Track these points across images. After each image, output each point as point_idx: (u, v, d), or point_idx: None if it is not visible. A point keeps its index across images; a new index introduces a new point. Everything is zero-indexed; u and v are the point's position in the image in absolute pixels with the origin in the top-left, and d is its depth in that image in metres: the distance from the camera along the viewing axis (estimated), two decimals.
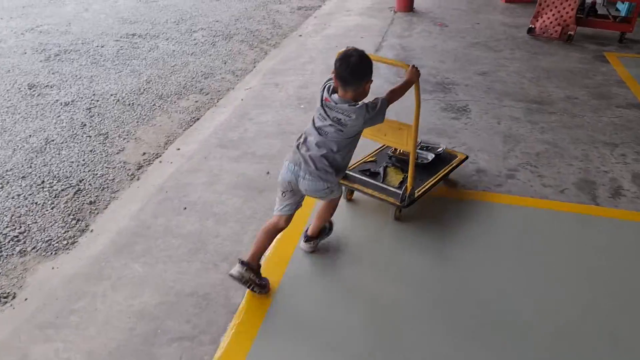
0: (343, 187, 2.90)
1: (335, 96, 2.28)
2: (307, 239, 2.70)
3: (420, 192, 2.92)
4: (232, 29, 6.62)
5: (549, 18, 6.09)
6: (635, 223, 2.97)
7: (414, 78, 2.52)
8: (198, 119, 4.31)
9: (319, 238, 2.72)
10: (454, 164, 3.22)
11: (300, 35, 6.40)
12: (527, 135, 3.88)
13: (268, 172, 3.43)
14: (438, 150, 3.31)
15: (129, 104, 4.47)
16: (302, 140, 2.38)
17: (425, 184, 2.99)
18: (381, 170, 3.10)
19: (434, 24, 6.71)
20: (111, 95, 4.61)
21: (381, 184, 2.95)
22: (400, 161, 3.15)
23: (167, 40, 6.10)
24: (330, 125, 2.28)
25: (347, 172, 2.94)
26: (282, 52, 5.81)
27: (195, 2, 7.81)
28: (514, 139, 3.83)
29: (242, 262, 2.39)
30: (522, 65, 5.30)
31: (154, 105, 4.49)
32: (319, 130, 2.32)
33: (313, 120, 2.36)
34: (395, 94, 2.43)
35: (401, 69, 2.64)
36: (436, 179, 3.06)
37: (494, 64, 5.34)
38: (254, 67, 5.43)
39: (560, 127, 4.02)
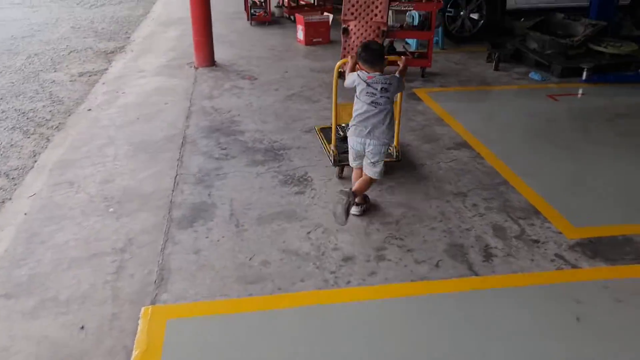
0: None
1: (373, 73, 3.14)
2: (357, 204, 3.32)
3: None
4: None
5: None
6: (518, 289, 2.77)
7: (406, 65, 3.43)
8: None
9: (365, 204, 3.42)
10: None
11: (90, 110, 5.36)
12: (380, 200, 3.55)
13: (82, 327, 2.50)
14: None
15: None
16: (362, 118, 3.18)
17: None
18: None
19: (242, 78, 6.24)
20: None
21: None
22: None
23: None
24: (380, 96, 3.11)
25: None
26: (69, 135, 4.73)
27: None
28: None
29: (353, 194, 3.16)
30: None
31: None
32: (374, 104, 3.13)
33: (363, 102, 3.16)
34: (402, 74, 3.31)
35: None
36: None
37: (317, 117, 5.02)
38: (35, 162, 4.28)
39: (407, 183, 3.79)
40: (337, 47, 7.59)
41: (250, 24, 9.16)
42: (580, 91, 5.71)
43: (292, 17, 9.39)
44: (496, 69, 6.45)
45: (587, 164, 4.11)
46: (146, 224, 3.29)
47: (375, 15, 5.79)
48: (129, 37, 8.62)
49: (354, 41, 6.02)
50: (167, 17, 10.12)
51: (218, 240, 3.13)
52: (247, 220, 3.31)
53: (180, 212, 3.41)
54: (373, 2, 5.78)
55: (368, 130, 3.17)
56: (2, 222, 3.41)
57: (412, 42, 7.31)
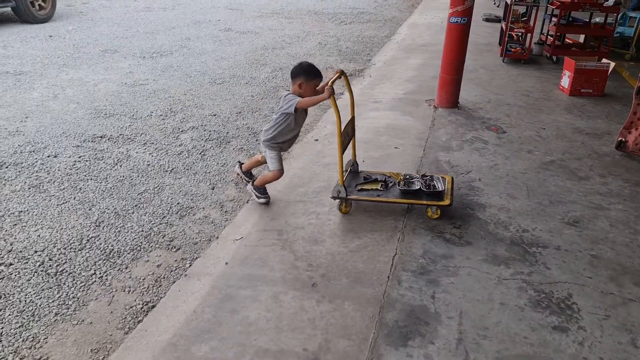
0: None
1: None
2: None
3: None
4: (231, 127, 5.23)
5: None
6: None
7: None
8: (154, 306, 2.80)
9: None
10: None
11: (317, 140, 4.98)
12: None
13: None
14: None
15: (55, 274, 2.99)
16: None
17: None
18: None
19: (488, 129, 5.26)
20: (34, 252, 3.16)
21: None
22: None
23: (144, 145, 4.72)
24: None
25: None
26: (291, 169, 4.36)
27: (193, 86, 6.51)
28: None
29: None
30: (628, 208, 3.76)
31: (92, 274, 3.01)
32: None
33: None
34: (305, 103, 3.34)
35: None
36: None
37: (586, 204, 3.81)
38: (252, 196, 3.97)
39: None
40: (612, 104, 6.14)
41: (503, 60, 8.07)
42: None
43: (553, 58, 8.04)
44: None
45: None
46: (349, 322, 2.60)
47: None
48: (369, 60, 8.28)
49: None
50: (411, 42, 9.60)
51: None
52: (480, 359, 2.39)
53: (393, 315, 2.65)
54: None
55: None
56: (201, 269, 3.07)
57: None
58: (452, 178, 3.80)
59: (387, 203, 3.61)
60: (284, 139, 3.51)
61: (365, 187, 3.70)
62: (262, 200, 3.75)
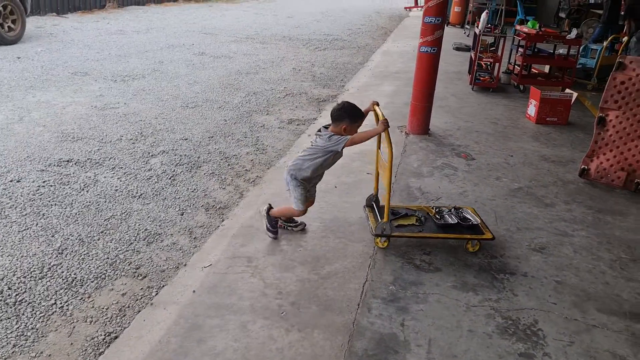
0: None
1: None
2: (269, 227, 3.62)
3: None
4: (202, 152, 5.20)
5: (608, 160, 4.75)
6: None
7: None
8: (117, 336, 2.72)
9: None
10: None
11: None
12: None
13: None
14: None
15: (14, 303, 2.88)
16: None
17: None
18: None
19: (458, 155, 5.35)
20: None
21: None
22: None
23: (112, 169, 4.63)
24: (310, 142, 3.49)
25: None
26: (262, 193, 4.35)
27: (164, 109, 6.46)
28: None
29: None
30: (591, 235, 3.86)
31: (53, 303, 2.91)
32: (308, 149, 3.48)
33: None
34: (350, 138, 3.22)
35: None
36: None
37: (552, 231, 3.89)
38: (222, 222, 3.93)
39: None
40: (576, 132, 6.34)
41: (472, 88, 8.27)
42: None
43: (520, 87, 8.29)
44: None
45: None
46: (318, 352, 2.57)
47: None
48: (343, 86, 8.39)
49: (611, 136, 4.73)
50: (384, 69, 9.78)
51: None
52: None
53: (363, 344, 2.63)
54: None
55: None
56: (168, 297, 3.00)
57: None
58: (474, 209, 3.79)
59: (430, 239, 3.54)
60: (315, 174, 3.41)
61: (402, 222, 3.62)
62: (271, 235, 3.59)
